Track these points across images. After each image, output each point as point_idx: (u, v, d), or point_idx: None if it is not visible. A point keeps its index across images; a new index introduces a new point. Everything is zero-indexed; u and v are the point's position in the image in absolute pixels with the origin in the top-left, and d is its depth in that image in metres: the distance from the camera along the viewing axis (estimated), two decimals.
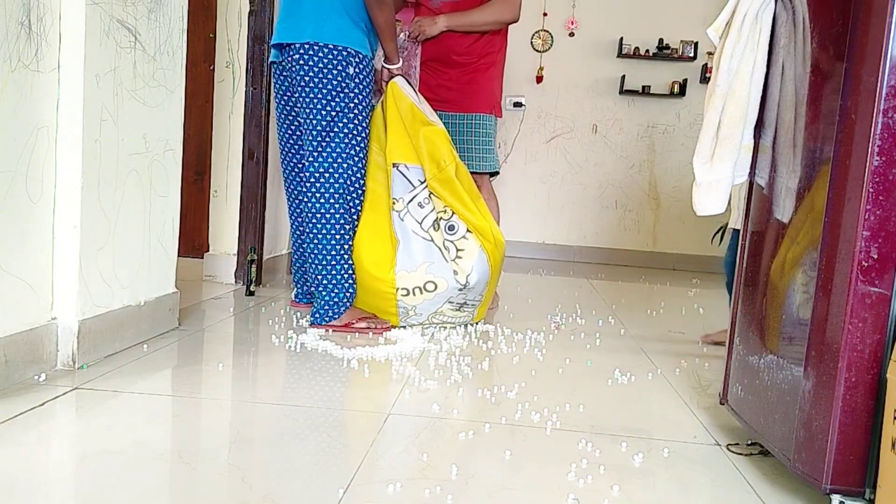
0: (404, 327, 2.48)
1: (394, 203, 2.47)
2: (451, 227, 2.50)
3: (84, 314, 1.81)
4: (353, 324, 2.42)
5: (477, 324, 2.61)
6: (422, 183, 2.50)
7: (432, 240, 2.45)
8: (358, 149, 2.42)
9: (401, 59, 2.59)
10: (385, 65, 2.57)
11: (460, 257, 2.47)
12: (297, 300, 2.76)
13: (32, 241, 1.68)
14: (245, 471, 1.28)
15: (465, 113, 3.01)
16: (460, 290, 2.45)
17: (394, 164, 2.49)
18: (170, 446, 1.40)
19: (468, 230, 2.51)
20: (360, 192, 2.46)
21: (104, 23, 1.81)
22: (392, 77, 2.56)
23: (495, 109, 3.05)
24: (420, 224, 2.46)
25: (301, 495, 1.20)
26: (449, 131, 2.86)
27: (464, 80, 2.99)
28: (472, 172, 3.05)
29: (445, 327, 2.52)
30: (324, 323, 2.41)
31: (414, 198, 2.48)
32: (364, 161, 2.46)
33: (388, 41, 2.46)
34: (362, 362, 2.03)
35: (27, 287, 1.67)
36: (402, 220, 2.46)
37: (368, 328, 2.41)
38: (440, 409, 1.69)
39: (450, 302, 2.47)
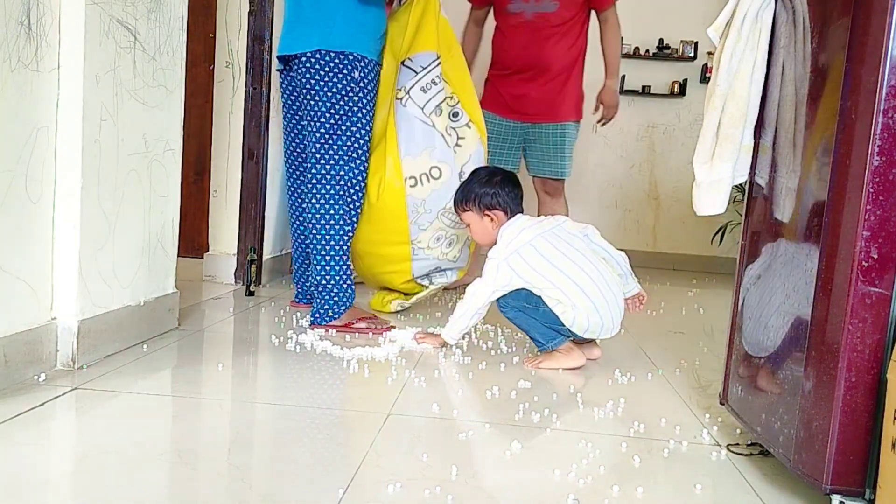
0: (412, 267, 2.51)
1: (396, 93, 2.50)
2: (456, 114, 2.53)
3: (84, 314, 1.81)
4: (353, 324, 2.42)
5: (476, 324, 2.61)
6: (424, 68, 2.51)
7: (434, 125, 2.47)
8: (360, 152, 2.42)
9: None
10: None
11: (459, 145, 2.52)
12: (297, 300, 2.77)
13: (32, 241, 1.68)
14: (245, 471, 1.28)
15: (552, 123, 3.10)
16: (459, 178, 2.48)
17: (400, 63, 2.53)
18: (170, 446, 1.40)
19: (471, 121, 2.56)
20: (360, 193, 2.46)
21: (104, 23, 1.81)
22: None
23: (580, 112, 3.14)
24: (422, 109, 2.47)
25: (301, 495, 1.20)
26: (530, 141, 3.04)
27: (556, 90, 3.08)
28: (554, 179, 3.12)
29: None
30: (324, 323, 2.41)
31: (417, 83, 2.50)
32: (366, 163, 2.47)
33: None
34: (362, 362, 2.03)
35: (27, 287, 1.67)
36: (404, 105, 2.48)
37: (368, 328, 2.41)
38: (440, 409, 1.69)
39: (448, 227, 2.51)
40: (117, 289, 1.96)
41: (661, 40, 4.95)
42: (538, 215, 2.83)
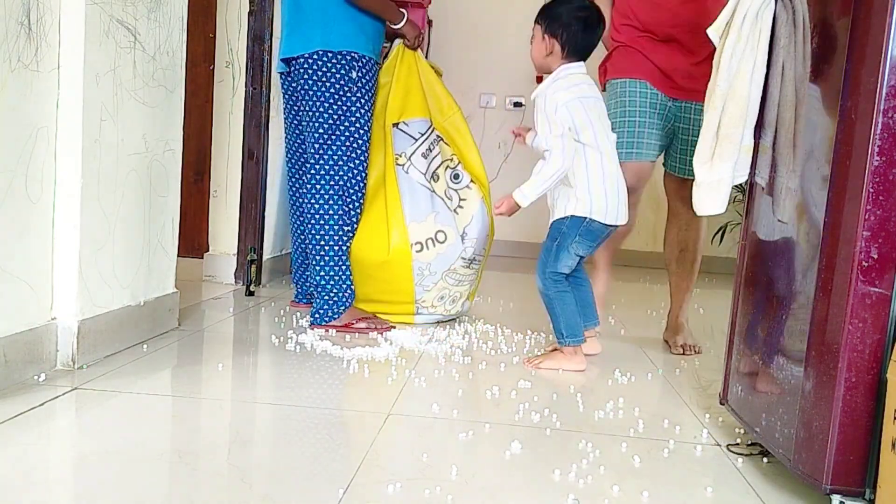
0: (406, 324, 2.48)
1: (396, 158, 2.49)
2: (457, 176, 2.54)
3: (84, 314, 1.81)
4: (353, 324, 2.42)
5: (476, 324, 2.61)
6: (423, 134, 2.52)
7: (433, 190, 2.48)
8: (359, 151, 2.43)
9: (404, 16, 2.50)
10: (393, 27, 2.49)
11: (462, 207, 2.51)
12: (297, 300, 2.77)
13: (32, 241, 1.68)
14: (245, 471, 1.28)
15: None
16: (462, 243, 2.49)
17: (393, 125, 2.53)
18: (170, 446, 1.40)
19: (472, 180, 2.55)
20: (360, 193, 2.46)
21: (104, 23, 1.81)
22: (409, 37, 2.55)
23: None
24: (424, 174, 2.48)
25: (301, 495, 1.20)
26: (679, 127, 2.41)
27: (706, 65, 2.00)
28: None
29: (445, 327, 2.52)
30: (324, 323, 2.41)
31: (417, 149, 2.51)
32: (365, 163, 2.47)
33: (383, 8, 2.43)
34: (362, 362, 2.03)
35: (27, 287, 1.67)
36: (406, 172, 2.48)
37: (368, 328, 2.41)
38: (440, 409, 1.69)
39: (462, 258, 2.50)
40: (117, 289, 1.96)
41: None
42: (669, 232, 2.58)
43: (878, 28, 1.13)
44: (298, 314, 2.61)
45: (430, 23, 4.77)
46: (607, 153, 2.07)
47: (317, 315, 2.42)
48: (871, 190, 1.14)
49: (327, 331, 2.38)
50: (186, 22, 2.22)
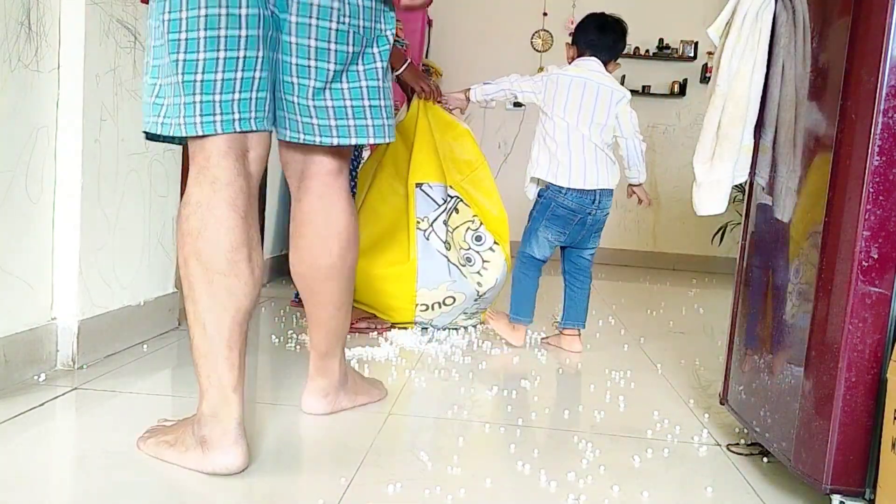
0: (405, 328, 2.48)
1: (418, 223, 2.44)
2: (479, 238, 2.49)
3: (84, 314, 1.81)
4: (353, 324, 2.41)
5: (477, 324, 2.61)
6: (445, 200, 2.47)
7: (448, 259, 2.42)
8: (357, 151, 2.43)
9: (407, 61, 2.46)
10: (394, 72, 2.43)
11: (486, 269, 2.47)
12: (297, 300, 2.76)
13: (32, 241, 1.68)
14: (245, 471, 1.28)
15: None
16: (476, 300, 2.47)
17: (417, 185, 2.46)
18: None
19: (495, 241, 2.50)
20: (354, 190, 2.46)
21: (104, 22, 1.81)
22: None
23: None
24: (444, 242, 2.43)
25: (301, 495, 1.20)
26: None
27: None
28: None
29: (445, 327, 2.52)
30: None
31: (439, 216, 2.45)
32: (357, 161, 2.47)
33: None
34: (362, 362, 2.03)
35: (27, 287, 1.67)
36: (427, 238, 2.42)
37: (368, 328, 2.41)
38: (440, 409, 1.69)
39: (464, 312, 2.49)
40: (117, 289, 1.96)
41: (661, 40, 4.95)
42: None
43: (878, 28, 1.13)
44: (298, 314, 2.61)
45: (429, 23, 4.77)
46: (574, 127, 2.27)
47: None
48: (871, 190, 1.14)
49: None
50: None
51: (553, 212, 2.29)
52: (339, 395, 1.60)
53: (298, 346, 2.16)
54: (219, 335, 1.25)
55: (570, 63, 2.38)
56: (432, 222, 2.44)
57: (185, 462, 1.26)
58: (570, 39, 2.43)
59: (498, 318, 2.40)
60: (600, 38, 2.33)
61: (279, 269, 3.39)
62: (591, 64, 2.32)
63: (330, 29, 1.30)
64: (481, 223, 2.50)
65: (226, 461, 1.24)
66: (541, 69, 5.06)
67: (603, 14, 2.39)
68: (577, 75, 2.28)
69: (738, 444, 1.58)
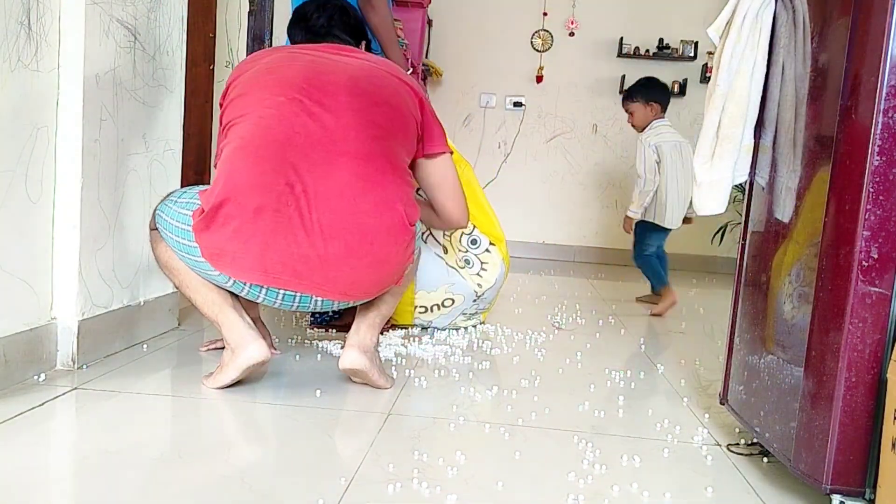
0: (405, 328, 2.48)
1: None
2: (474, 241, 2.50)
3: (84, 314, 1.81)
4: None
5: (477, 324, 2.61)
6: None
7: (446, 262, 2.44)
8: None
9: (408, 61, 2.52)
10: None
11: (485, 270, 2.48)
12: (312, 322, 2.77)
13: (32, 241, 1.68)
14: (245, 471, 1.28)
15: None
16: (475, 300, 2.48)
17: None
18: (170, 446, 1.40)
19: (491, 243, 2.51)
20: None
21: (104, 22, 1.81)
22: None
23: None
24: (441, 246, 2.45)
25: (301, 495, 1.20)
26: None
27: None
28: None
29: (445, 328, 2.52)
30: (324, 323, 2.41)
31: None
32: None
33: (389, 44, 2.38)
34: None
35: (27, 287, 1.67)
36: (424, 242, 2.43)
37: None
38: (440, 409, 1.69)
39: (463, 313, 2.50)
40: (117, 288, 1.96)
41: (661, 40, 4.95)
42: None
43: (878, 28, 1.13)
44: (298, 314, 2.61)
45: (429, 23, 4.77)
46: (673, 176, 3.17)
47: (317, 315, 2.42)
48: (871, 190, 1.14)
49: (327, 330, 2.38)
50: (186, 22, 2.21)
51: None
52: (374, 360, 1.80)
53: (298, 356, 2.16)
54: (212, 294, 1.74)
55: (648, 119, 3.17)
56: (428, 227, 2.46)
57: (229, 371, 1.68)
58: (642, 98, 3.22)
59: (655, 307, 3.13)
60: (667, 95, 3.37)
61: None
62: (667, 122, 3.25)
63: None
64: (475, 226, 2.51)
65: (249, 353, 1.65)
66: (541, 69, 5.07)
67: (650, 77, 3.33)
68: (681, 141, 3.22)
69: (738, 444, 1.58)
